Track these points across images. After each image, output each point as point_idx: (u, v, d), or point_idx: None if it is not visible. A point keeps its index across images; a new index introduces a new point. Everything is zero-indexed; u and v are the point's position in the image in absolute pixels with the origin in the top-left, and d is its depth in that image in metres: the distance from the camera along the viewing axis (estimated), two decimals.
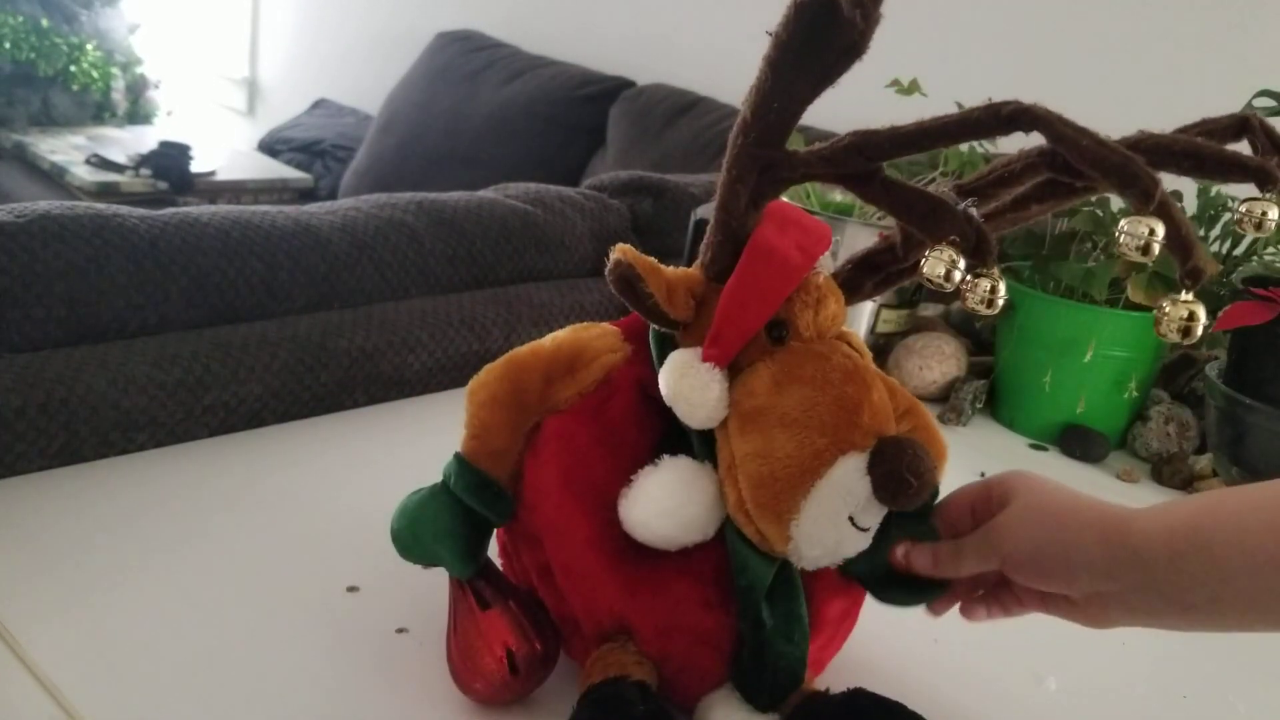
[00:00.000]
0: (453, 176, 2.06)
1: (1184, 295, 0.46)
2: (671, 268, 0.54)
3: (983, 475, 0.96)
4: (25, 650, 0.57)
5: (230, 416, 0.84)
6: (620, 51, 2.17)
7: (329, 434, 0.87)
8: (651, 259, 0.53)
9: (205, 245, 0.87)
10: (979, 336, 1.22)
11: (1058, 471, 1.02)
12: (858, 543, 0.52)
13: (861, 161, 0.50)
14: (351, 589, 0.66)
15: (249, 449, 0.82)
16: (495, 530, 0.59)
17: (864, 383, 0.52)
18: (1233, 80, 1.11)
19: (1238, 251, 1.11)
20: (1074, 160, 0.46)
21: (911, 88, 1.18)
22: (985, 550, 0.53)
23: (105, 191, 2.40)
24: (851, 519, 0.50)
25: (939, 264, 0.48)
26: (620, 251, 0.52)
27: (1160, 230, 0.44)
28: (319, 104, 2.97)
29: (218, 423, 0.83)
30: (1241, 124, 0.53)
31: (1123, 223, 0.45)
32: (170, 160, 2.50)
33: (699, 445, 0.55)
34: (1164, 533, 0.48)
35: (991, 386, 1.13)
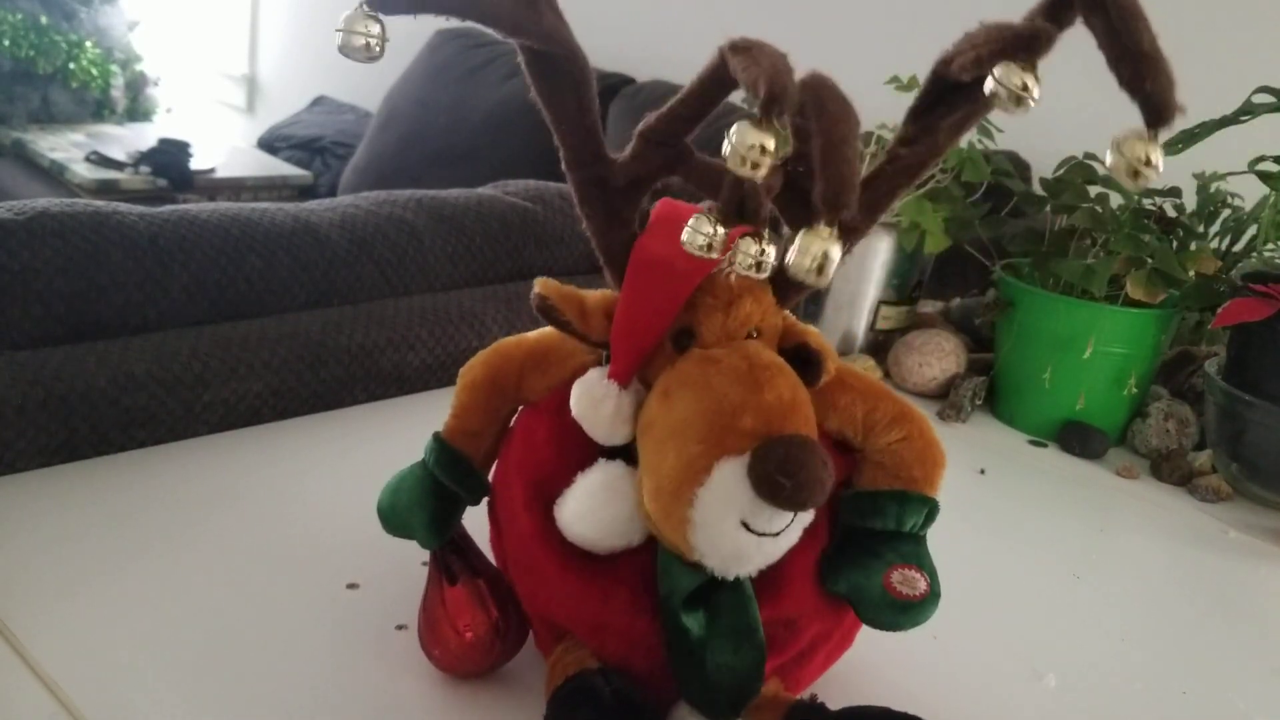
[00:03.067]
0: (452, 173, 2.06)
1: (819, 229, 0.41)
2: (596, 291, 0.55)
3: (982, 472, 0.96)
4: (25, 647, 0.57)
5: (230, 414, 0.84)
6: (619, 48, 2.17)
7: (328, 431, 0.87)
8: (569, 288, 0.54)
9: (205, 242, 0.87)
10: (978, 333, 1.23)
11: (1057, 468, 1.02)
12: (764, 548, 0.50)
13: (661, 149, 0.50)
14: (351, 586, 0.66)
15: (248, 446, 0.83)
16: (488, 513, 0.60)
17: (754, 384, 0.49)
18: (1233, 78, 1.11)
19: (1237, 248, 1.11)
20: (741, 80, 0.43)
21: (911, 84, 1.18)
22: None
23: (104, 189, 2.40)
24: (745, 524, 0.48)
25: (695, 234, 0.46)
26: (539, 285, 0.53)
27: (771, 145, 0.40)
28: (318, 101, 2.97)
29: (217, 420, 0.83)
30: None
31: (733, 128, 0.40)
32: (170, 157, 2.50)
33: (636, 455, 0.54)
34: None
35: (991, 383, 1.13)
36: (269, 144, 2.88)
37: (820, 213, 0.41)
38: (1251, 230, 1.10)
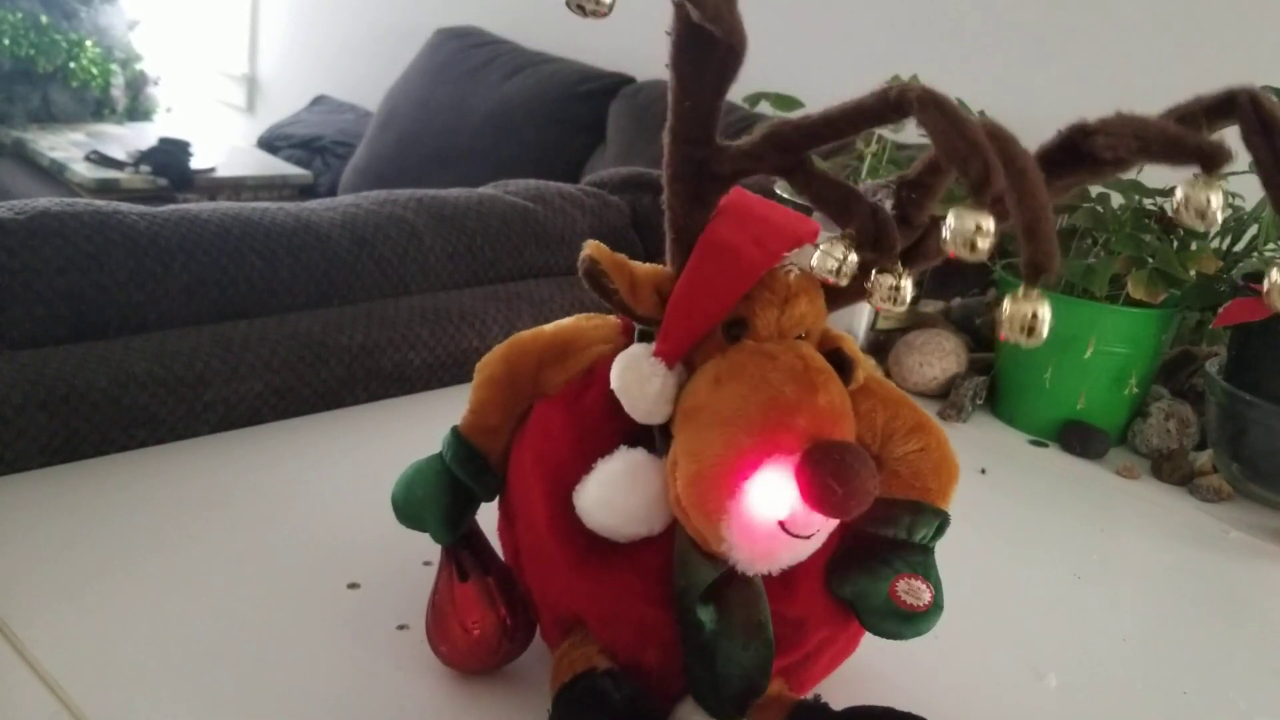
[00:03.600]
0: (453, 173, 2.06)
1: (1023, 291, 0.43)
2: (647, 264, 0.54)
3: (983, 471, 0.96)
4: (26, 646, 0.57)
5: (230, 413, 0.84)
6: (620, 48, 2.17)
7: (329, 431, 0.87)
8: (621, 256, 0.53)
9: (205, 242, 0.87)
10: (979, 333, 1.23)
11: (1058, 468, 1.02)
12: (795, 549, 0.50)
13: (779, 154, 0.50)
14: (352, 586, 0.66)
15: (249, 446, 0.82)
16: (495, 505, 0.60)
17: (809, 385, 0.50)
18: (1235, 77, 1.11)
19: (1238, 248, 1.11)
20: (934, 145, 0.43)
21: (911, 83, 1.17)
22: None
23: (105, 188, 2.40)
24: (784, 525, 0.48)
25: (828, 259, 0.47)
26: (589, 248, 0.52)
27: (989, 226, 0.41)
28: (318, 100, 2.97)
29: (218, 420, 0.83)
30: (1229, 100, 0.48)
31: (949, 214, 0.41)
32: (170, 157, 2.50)
33: (660, 440, 0.54)
34: None
35: (992, 383, 1.13)
36: (269, 143, 2.88)
37: (1026, 279, 0.42)
38: (1252, 230, 1.10)
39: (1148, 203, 1.09)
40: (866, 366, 0.57)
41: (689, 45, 0.48)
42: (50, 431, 0.74)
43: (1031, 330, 0.42)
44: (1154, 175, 1.09)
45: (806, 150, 0.50)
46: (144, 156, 2.49)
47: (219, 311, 0.87)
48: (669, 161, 0.52)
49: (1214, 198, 0.43)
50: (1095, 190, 1.09)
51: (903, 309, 0.47)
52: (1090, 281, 1.01)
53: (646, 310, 0.53)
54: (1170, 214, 0.44)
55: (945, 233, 0.41)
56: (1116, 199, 1.08)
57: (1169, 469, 1.02)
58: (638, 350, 0.53)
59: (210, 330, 0.85)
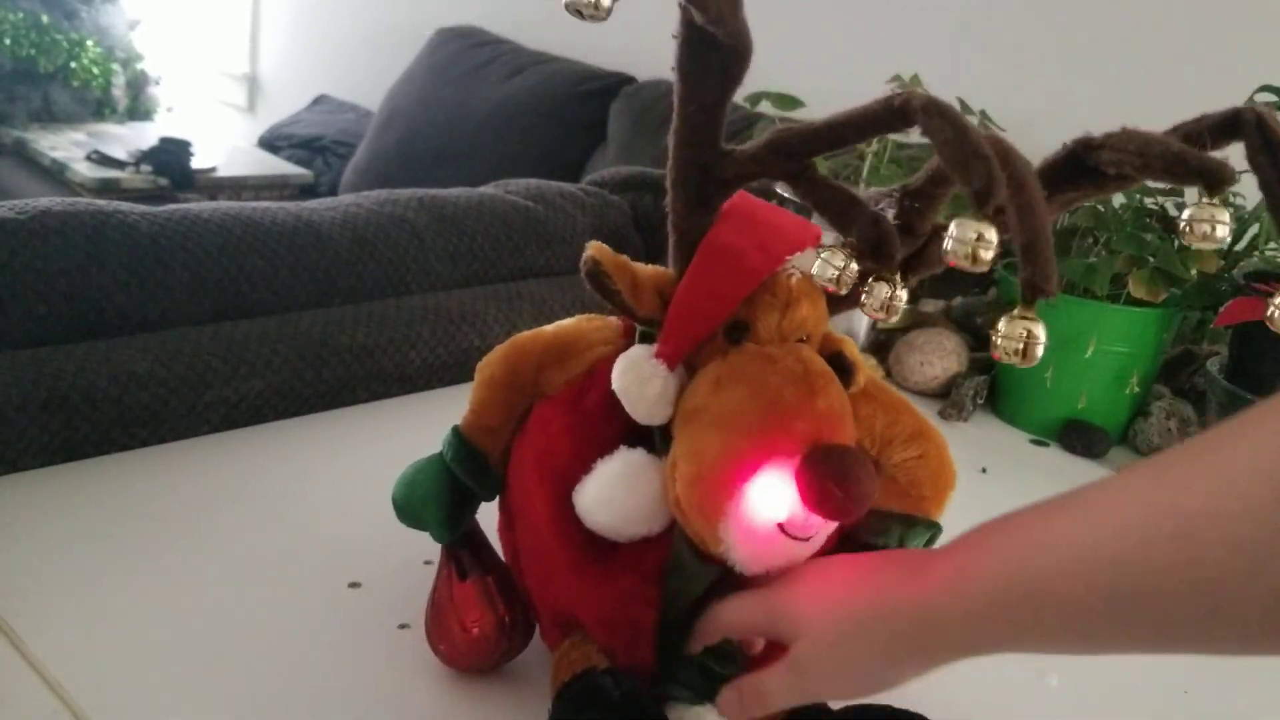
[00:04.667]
0: (453, 173, 2.06)
1: (1019, 311, 0.43)
2: (649, 266, 0.54)
3: (984, 471, 0.96)
4: (27, 645, 0.57)
5: (231, 413, 0.84)
6: (621, 47, 2.16)
7: (330, 430, 0.87)
8: (624, 258, 0.53)
9: (206, 242, 0.87)
10: (980, 332, 1.22)
11: (1059, 466, 1.02)
12: (793, 552, 0.50)
13: (782, 160, 0.50)
14: (353, 585, 0.66)
15: (250, 445, 0.83)
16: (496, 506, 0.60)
17: (809, 389, 0.50)
18: (1235, 77, 1.11)
19: (1239, 247, 1.11)
20: (938, 153, 0.43)
21: (913, 83, 1.18)
22: (793, 691, 0.50)
23: (106, 188, 2.40)
24: (782, 528, 0.49)
25: (828, 267, 0.48)
26: (592, 249, 0.52)
27: (992, 236, 0.41)
28: (319, 100, 2.97)
29: (219, 419, 0.83)
30: (1234, 119, 0.48)
31: (952, 224, 0.42)
32: (171, 156, 2.50)
33: (660, 441, 0.54)
34: (964, 617, 0.44)
35: (993, 382, 1.13)
36: (270, 143, 2.87)
37: (1024, 299, 0.43)
38: (1253, 229, 1.10)
39: (1149, 202, 1.09)
40: (867, 370, 0.57)
41: (694, 48, 0.49)
42: (51, 431, 0.74)
43: (1025, 352, 0.43)
44: None
45: (810, 157, 0.50)
46: (145, 156, 2.49)
47: (220, 311, 0.87)
48: (673, 165, 0.52)
49: (1219, 217, 0.44)
50: None
51: (895, 319, 0.47)
52: (1091, 280, 1.01)
53: (648, 312, 0.53)
54: (1178, 235, 0.46)
55: (947, 243, 0.42)
56: (1118, 198, 1.08)
57: None
58: (639, 352, 0.53)
59: (211, 330, 0.85)
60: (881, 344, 1.19)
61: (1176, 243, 1.04)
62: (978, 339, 1.22)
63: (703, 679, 0.53)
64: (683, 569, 0.52)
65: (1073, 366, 1.05)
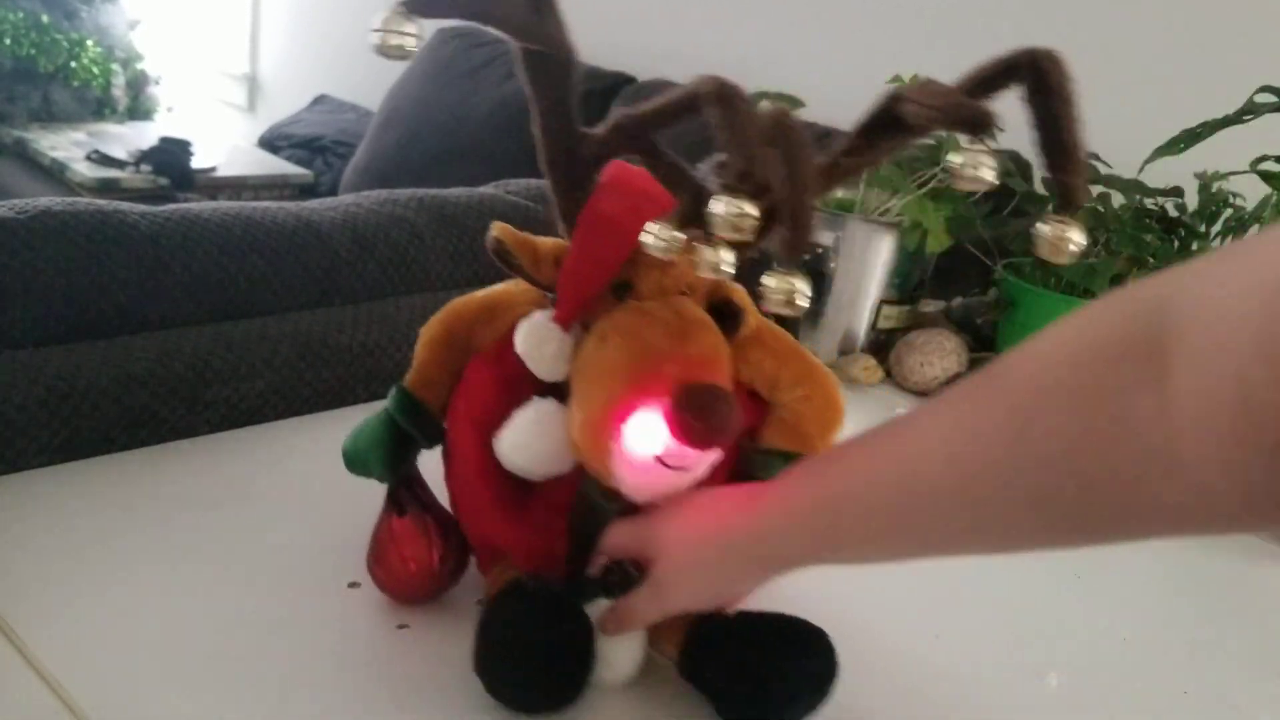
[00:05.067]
0: (454, 173, 2.06)
1: (782, 269, 0.48)
2: (550, 239, 0.61)
3: None
4: (27, 645, 0.57)
5: (232, 412, 0.84)
6: (620, 48, 2.17)
7: (330, 430, 0.87)
8: (526, 235, 0.60)
9: (206, 241, 0.87)
10: (980, 332, 1.23)
11: None
12: (675, 481, 0.56)
13: (626, 139, 0.57)
14: (353, 585, 0.66)
15: (250, 445, 0.83)
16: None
17: (681, 336, 0.56)
18: (1234, 77, 1.11)
19: None
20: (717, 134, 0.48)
21: (912, 84, 1.17)
22: (654, 607, 0.57)
23: (106, 188, 2.40)
24: (661, 460, 0.55)
25: (652, 237, 0.52)
26: (495, 229, 0.59)
27: (751, 210, 0.46)
28: (319, 100, 2.97)
29: (219, 419, 0.83)
30: (1015, 62, 0.51)
31: (712, 201, 0.47)
32: (171, 156, 2.50)
33: (567, 392, 0.60)
34: (785, 530, 0.52)
35: None
36: (270, 143, 2.87)
37: (786, 258, 0.48)
38: (1253, 230, 1.10)
39: (1149, 202, 1.09)
40: (758, 315, 0.63)
41: (533, 68, 0.56)
42: (52, 430, 0.74)
43: (791, 303, 0.48)
44: (1155, 176, 1.09)
45: (648, 135, 0.57)
46: (145, 156, 2.49)
47: (220, 311, 0.87)
48: (542, 152, 0.58)
49: (983, 160, 0.48)
50: (1097, 190, 1.09)
51: (725, 277, 0.51)
52: (1091, 281, 1.01)
53: (548, 279, 0.60)
54: (952, 181, 0.50)
55: (713, 216, 0.47)
56: (1118, 199, 1.08)
57: None
58: (539, 316, 0.59)
59: (211, 329, 0.85)
60: (882, 344, 1.20)
61: (1176, 243, 1.04)
62: (978, 339, 1.22)
63: (604, 594, 0.60)
64: (589, 502, 0.59)
65: None
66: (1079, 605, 0.78)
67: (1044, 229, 0.49)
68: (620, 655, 0.60)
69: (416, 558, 0.63)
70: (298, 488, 0.77)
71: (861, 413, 1.10)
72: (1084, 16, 1.56)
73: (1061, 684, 0.67)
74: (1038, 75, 0.49)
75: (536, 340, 0.59)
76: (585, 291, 0.58)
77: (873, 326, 1.19)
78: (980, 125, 0.48)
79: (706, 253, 0.49)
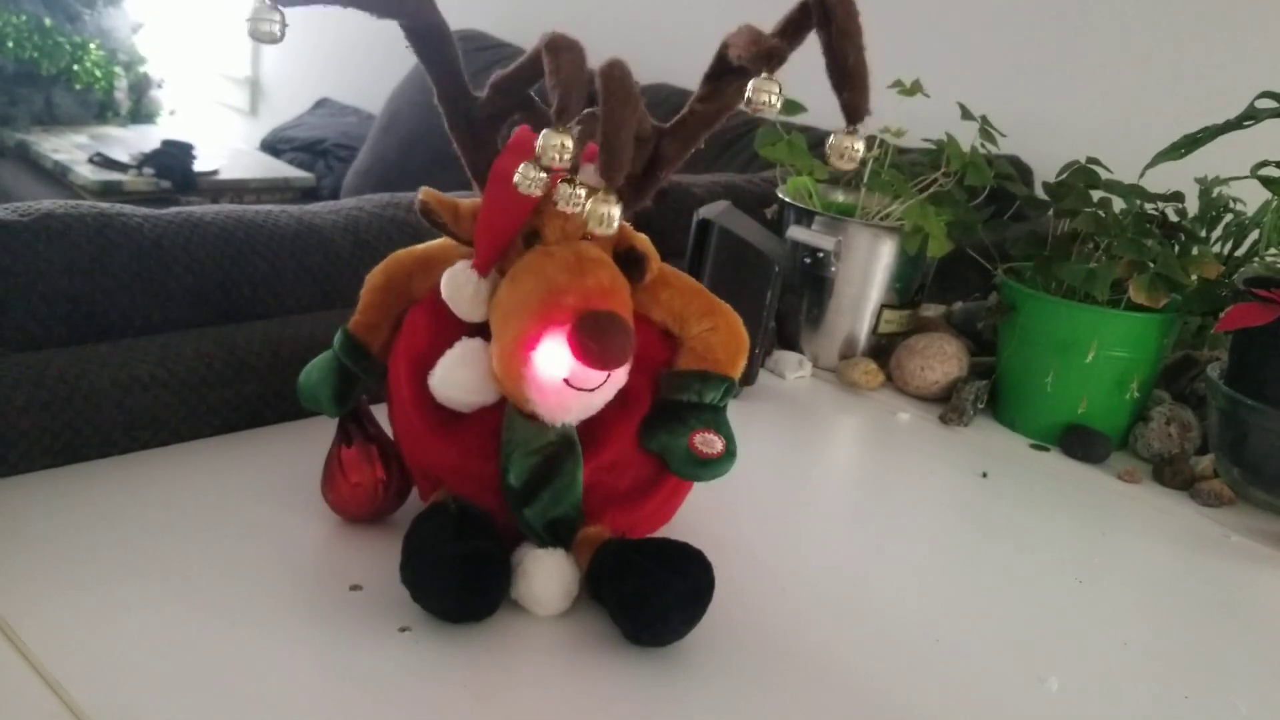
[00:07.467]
0: (455, 176, 2.06)
1: (603, 193, 0.54)
2: (471, 199, 0.68)
3: (984, 475, 0.96)
4: (28, 647, 0.57)
5: (233, 415, 0.84)
6: (621, 51, 2.17)
7: (331, 432, 0.87)
8: (449, 196, 0.67)
9: (208, 244, 0.87)
10: (981, 337, 1.23)
11: (1059, 471, 1.02)
12: (583, 400, 0.63)
13: (504, 98, 0.65)
14: (354, 588, 0.66)
15: (252, 448, 0.83)
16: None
17: (579, 271, 0.63)
18: (1236, 81, 1.11)
19: (1240, 252, 1.12)
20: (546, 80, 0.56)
21: (914, 89, 1.18)
22: None
23: (108, 190, 2.40)
24: (568, 382, 0.61)
25: (523, 179, 0.57)
26: (422, 193, 0.66)
27: (568, 143, 0.53)
28: (321, 103, 2.97)
29: (220, 421, 0.84)
30: (806, 6, 0.56)
31: (541, 135, 0.54)
32: (173, 159, 2.51)
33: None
34: None
35: (993, 387, 1.13)
36: (272, 146, 2.88)
37: (604, 181, 0.54)
38: (1254, 235, 1.10)
39: (1149, 207, 1.09)
40: (659, 261, 0.69)
41: (418, 42, 0.64)
42: (53, 433, 0.74)
43: (605, 223, 0.54)
44: (1156, 180, 1.09)
45: (524, 91, 0.65)
46: (147, 159, 2.50)
47: (222, 314, 0.87)
48: (445, 117, 0.66)
49: (770, 88, 0.53)
50: (1097, 195, 1.09)
51: (579, 210, 0.55)
52: (1092, 286, 1.01)
53: (468, 234, 0.67)
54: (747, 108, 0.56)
55: (539, 147, 0.53)
56: (1119, 204, 1.08)
57: (1170, 473, 1.02)
58: (459, 265, 0.67)
59: (213, 332, 0.85)
60: (882, 348, 1.20)
61: (1177, 248, 1.04)
62: (978, 343, 1.22)
63: (549, 535, 0.66)
64: (514, 427, 0.65)
65: (1073, 371, 1.05)
66: (1080, 609, 0.78)
67: (832, 140, 0.54)
68: (545, 575, 0.64)
69: (361, 481, 0.71)
70: (298, 491, 0.77)
71: (862, 417, 1.10)
72: (1085, 23, 1.56)
73: (1062, 688, 0.67)
74: (824, 11, 0.55)
75: (456, 285, 0.66)
76: (497, 240, 0.65)
77: (874, 330, 1.19)
78: (773, 57, 0.54)
79: (564, 190, 0.55)
